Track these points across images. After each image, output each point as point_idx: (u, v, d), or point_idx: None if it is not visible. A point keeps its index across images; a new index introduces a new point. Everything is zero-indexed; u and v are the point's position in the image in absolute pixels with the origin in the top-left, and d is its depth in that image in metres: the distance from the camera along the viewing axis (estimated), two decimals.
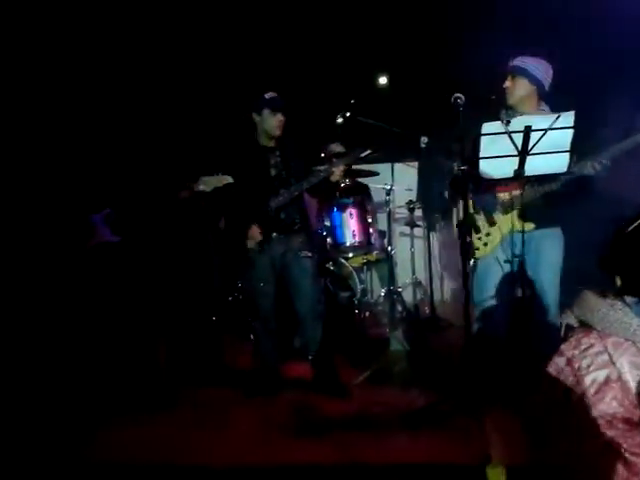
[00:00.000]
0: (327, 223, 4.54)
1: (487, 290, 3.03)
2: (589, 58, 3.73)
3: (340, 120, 4.01)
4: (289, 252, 3.41)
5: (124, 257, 3.83)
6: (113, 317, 3.71)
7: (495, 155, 2.70)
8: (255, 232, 3.36)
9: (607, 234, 1.60)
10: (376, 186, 4.81)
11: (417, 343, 4.16)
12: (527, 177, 2.74)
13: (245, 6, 4.60)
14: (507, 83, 2.99)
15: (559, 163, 2.71)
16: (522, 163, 2.70)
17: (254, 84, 3.65)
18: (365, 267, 4.79)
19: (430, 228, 4.93)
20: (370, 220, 4.53)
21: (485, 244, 3.04)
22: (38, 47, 4.26)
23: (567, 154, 2.68)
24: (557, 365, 1.55)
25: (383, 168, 4.84)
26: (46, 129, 4.11)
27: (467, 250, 2.89)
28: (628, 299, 1.54)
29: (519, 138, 2.65)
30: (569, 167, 2.73)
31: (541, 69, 2.94)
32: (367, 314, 4.48)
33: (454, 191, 3.20)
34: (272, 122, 3.34)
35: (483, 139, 2.69)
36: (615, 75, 3.77)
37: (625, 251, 1.57)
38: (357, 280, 4.50)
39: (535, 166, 2.71)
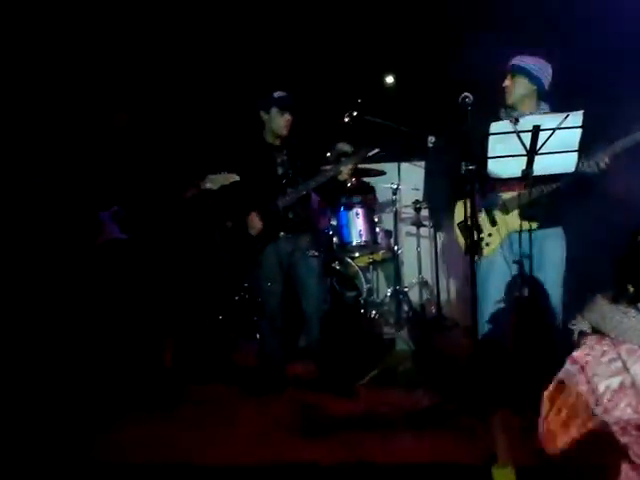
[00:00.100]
0: (333, 222, 4.54)
1: (490, 290, 3.02)
2: (589, 58, 3.71)
3: (347, 119, 4.00)
4: (296, 251, 3.41)
5: (132, 255, 3.84)
6: (120, 315, 3.72)
7: (503, 155, 2.70)
8: (255, 220, 3.35)
9: (619, 241, 1.60)
10: (383, 185, 4.81)
11: (423, 343, 4.16)
12: (535, 177, 2.73)
13: (254, 5, 4.61)
14: (506, 82, 2.98)
15: (567, 163, 2.70)
16: (530, 163, 2.69)
17: (262, 83, 3.66)
18: (371, 267, 4.79)
19: (437, 228, 4.91)
20: (377, 220, 4.54)
21: (487, 244, 3.03)
22: (51, 42, 4.29)
23: (575, 154, 2.68)
24: (569, 372, 1.55)
25: (390, 167, 4.83)
26: (53, 126, 4.13)
27: (474, 249, 2.88)
28: None
29: (527, 138, 2.65)
30: (577, 167, 2.72)
31: (541, 68, 2.93)
32: (373, 314, 4.48)
33: (458, 190, 3.18)
34: (280, 121, 3.34)
35: (491, 139, 2.68)
36: (615, 75, 3.75)
37: (638, 260, 1.57)
38: (363, 280, 4.51)
39: (543, 166, 2.70)
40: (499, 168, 2.76)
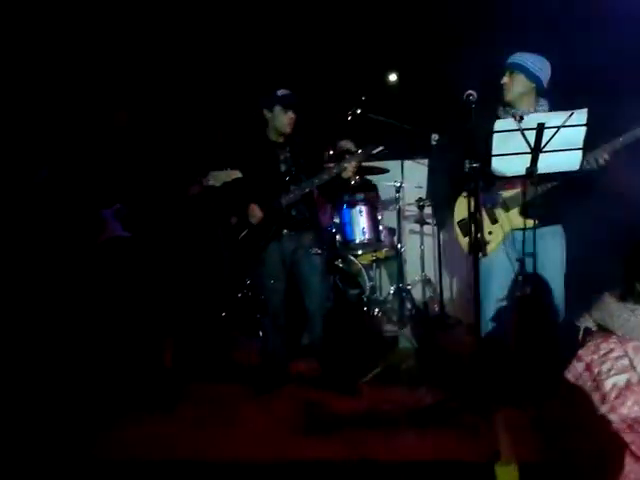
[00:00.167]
0: (336, 220, 4.53)
1: (492, 288, 3.02)
2: (589, 58, 3.71)
3: (350, 117, 4.00)
4: (300, 249, 3.41)
5: (135, 252, 3.84)
6: (122, 313, 3.72)
7: (508, 152, 2.69)
8: (255, 209, 3.35)
9: (619, 238, 1.60)
10: (386, 183, 4.80)
11: (426, 341, 4.16)
12: (539, 175, 2.73)
13: (257, 3, 4.61)
14: (505, 79, 2.97)
15: (572, 161, 2.70)
16: (535, 161, 2.68)
17: (265, 80, 3.65)
18: (374, 264, 4.78)
19: (440, 226, 4.91)
20: (380, 217, 4.53)
21: (488, 242, 3.02)
22: (52, 42, 4.29)
23: (580, 152, 2.67)
24: (575, 370, 1.55)
25: (393, 165, 4.82)
26: (55, 125, 4.13)
27: (477, 247, 2.88)
28: None
29: (531, 136, 2.64)
30: (581, 165, 2.71)
31: (539, 65, 2.92)
32: (376, 311, 4.48)
33: (459, 188, 3.17)
34: (283, 119, 3.34)
35: (495, 136, 2.67)
36: (615, 74, 3.74)
37: None
38: (366, 277, 4.50)
39: (548, 164, 2.69)
40: (503, 166, 2.75)
